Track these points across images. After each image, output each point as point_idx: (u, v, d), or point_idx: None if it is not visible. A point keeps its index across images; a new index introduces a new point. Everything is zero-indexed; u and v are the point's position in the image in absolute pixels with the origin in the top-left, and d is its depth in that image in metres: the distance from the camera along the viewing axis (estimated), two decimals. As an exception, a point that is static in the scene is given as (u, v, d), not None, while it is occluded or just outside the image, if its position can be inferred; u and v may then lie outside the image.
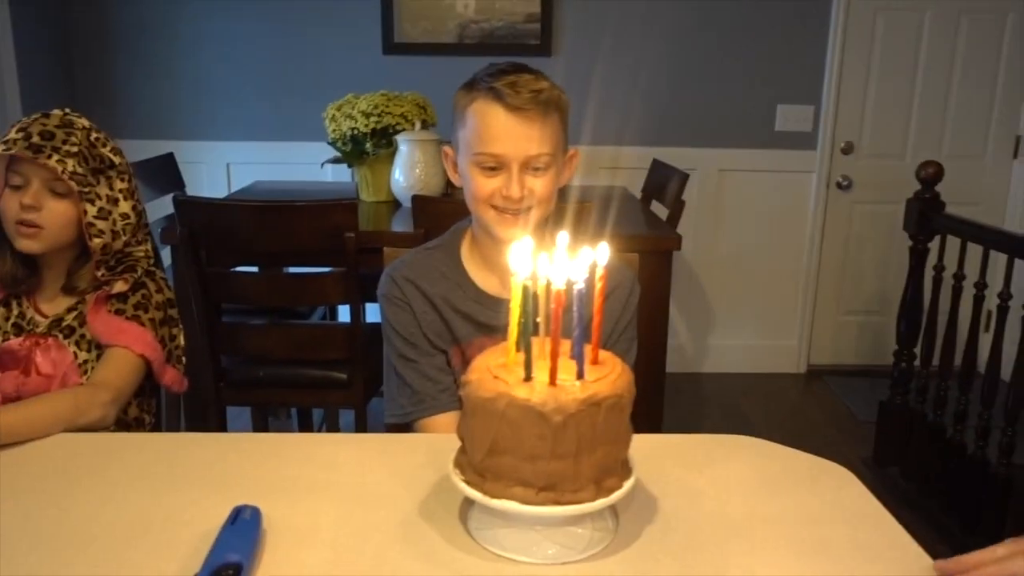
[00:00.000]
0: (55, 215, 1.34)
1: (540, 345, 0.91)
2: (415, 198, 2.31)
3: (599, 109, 3.50)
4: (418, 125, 2.77)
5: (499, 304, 1.36)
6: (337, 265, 2.26)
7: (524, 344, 0.88)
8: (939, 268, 2.76)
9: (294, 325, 2.59)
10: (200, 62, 3.63)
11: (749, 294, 3.91)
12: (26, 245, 1.34)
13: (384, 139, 2.76)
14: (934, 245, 2.81)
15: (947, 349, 2.71)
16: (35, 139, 1.30)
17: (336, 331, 2.42)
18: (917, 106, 3.74)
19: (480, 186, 1.30)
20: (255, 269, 2.78)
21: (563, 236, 0.93)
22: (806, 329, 3.95)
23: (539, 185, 1.30)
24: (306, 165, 3.42)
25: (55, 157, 1.30)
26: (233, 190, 3.59)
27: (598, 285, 0.87)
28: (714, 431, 1.26)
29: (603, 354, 0.92)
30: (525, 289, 0.86)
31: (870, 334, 3.97)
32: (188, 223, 2.20)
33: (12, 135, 1.30)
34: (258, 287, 2.40)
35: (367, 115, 2.72)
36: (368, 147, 2.76)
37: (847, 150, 3.76)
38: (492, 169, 1.29)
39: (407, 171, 2.71)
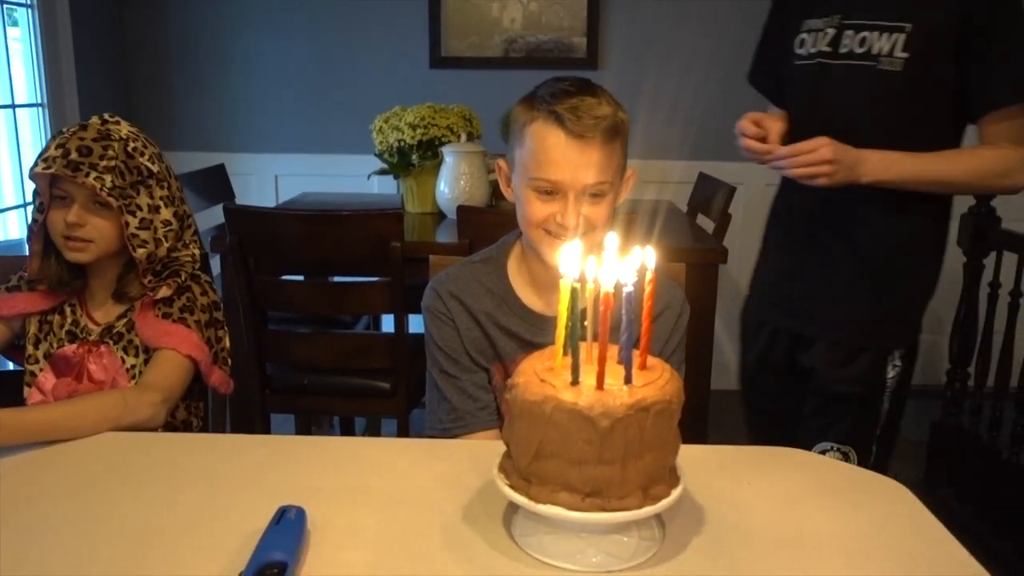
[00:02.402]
0: (99, 229, 1.36)
1: (587, 350, 0.90)
2: (460, 209, 2.31)
3: (646, 123, 3.47)
4: (464, 137, 2.78)
5: (544, 322, 1.34)
6: (382, 275, 2.27)
7: (572, 348, 0.87)
8: (995, 285, 2.68)
9: (339, 334, 2.61)
10: (250, 76, 3.70)
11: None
12: (76, 257, 1.36)
13: (430, 151, 2.78)
14: (989, 261, 2.74)
15: (1003, 369, 2.63)
16: (73, 156, 1.31)
17: (380, 341, 2.43)
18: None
19: (535, 210, 1.26)
20: (301, 278, 2.81)
21: (612, 237, 0.92)
22: (855, 347, 3.86)
23: (595, 213, 1.26)
24: (353, 177, 3.45)
25: (92, 175, 1.31)
26: (281, 201, 3.64)
27: (647, 288, 0.85)
28: (762, 446, 1.23)
29: (651, 360, 0.90)
30: (573, 292, 0.85)
31: (922, 353, 3.85)
32: (237, 231, 2.23)
33: (51, 151, 1.31)
34: (304, 295, 2.43)
35: (413, 127, 2.74)
36: (414, 159, 2.78)
37: (898, 165, 3.68)
38: (548, 194, 1.25)
39: (452, 182, 2.72)
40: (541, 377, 0.87)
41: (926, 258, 1.69)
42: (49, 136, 3.08)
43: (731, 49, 3.60)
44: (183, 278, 1.43)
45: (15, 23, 3.03)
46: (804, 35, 1.61)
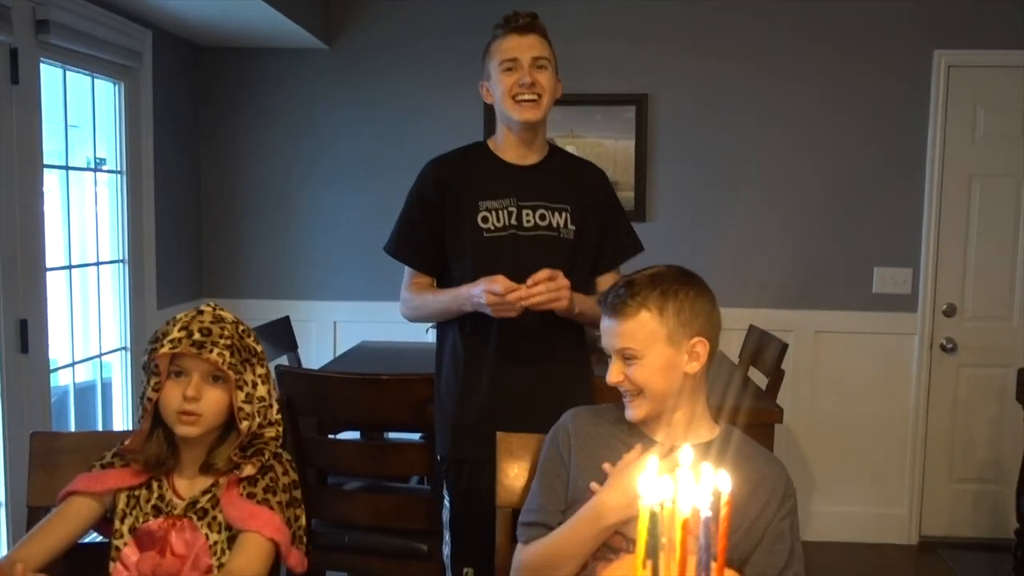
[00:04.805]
0: (212, 403, 1.46)
1: (666, 563, 0.93)
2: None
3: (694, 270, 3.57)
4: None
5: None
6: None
7: (652, 564, 0.90)
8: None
9: (379, 492, 2.59)
10: (314, 228, 3.89)
11: (853, 459, 3.78)
12: (186, 431, 1.45)
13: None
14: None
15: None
16: (196, 336, 1.44)
17: (417, 501, 2.42)
18: (1021, 267, 3.67)
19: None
20: (357, 434, 2.88)
21: (687, 451, 0.97)
22: (916, 497, 3.77)
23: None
24: (411, 325, 3.56)
25: (215, 351, 1.43)
26: (339, 349, 3.76)
27: (723, 511, 0.90)
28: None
29: (728, 574, 0.93)
30: (653, 515, 0.90)
31: (987, 504, 3.76)
32: (287, 391, 2.35)
33: (175, 334, 1.44)
34: (346, 454, 2.46)
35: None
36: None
37: (949, 312, 3.70)
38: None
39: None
40: (621, 594, 0.91)
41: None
42: (129, 291, 3.27)
43: (778, 198, 3.73)
44: (266, 457, 1.50)
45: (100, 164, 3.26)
46: (485, 213, 1.99)
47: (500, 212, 1.98)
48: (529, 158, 2.04)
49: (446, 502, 2.05)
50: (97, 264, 3.19)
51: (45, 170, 2.75)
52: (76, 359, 3.05)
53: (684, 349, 1.46)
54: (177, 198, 3.69)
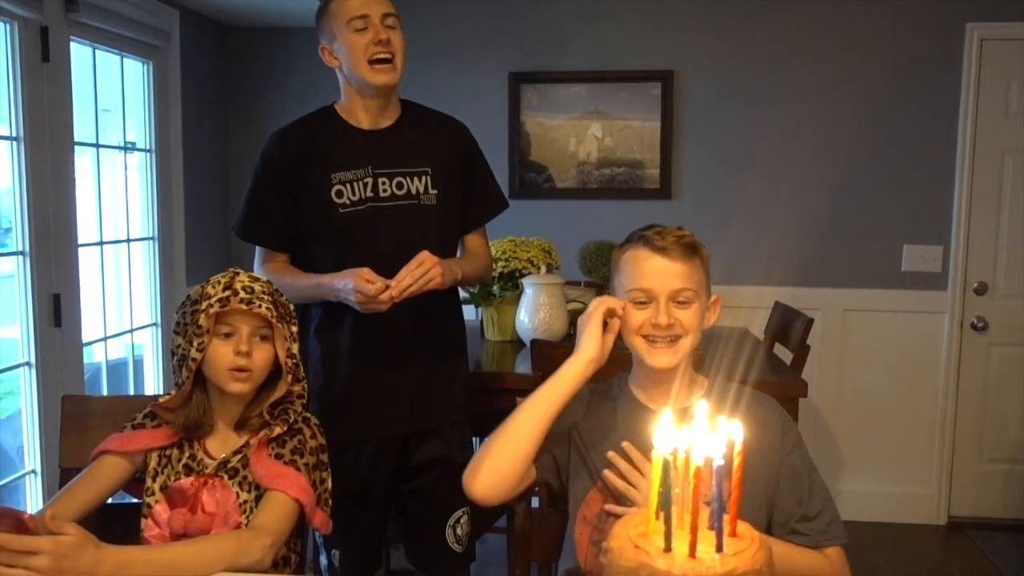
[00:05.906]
0: (262, 358, 1.50)
1: (679, 513, 0.94)
2: (534, 342, 2.40)
3: (719, 249, 3.55)
4: (543, 269, 2.89)
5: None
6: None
7: (664, 513, 0.91)
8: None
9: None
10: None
11: (881, 438, 3.75)
12: (238, 388, 1.49)
13: (510, 282, 2.89)
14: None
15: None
16: (242, 294, 1.47)
17: None
18: (1054, 245, 3.61)
19: (633, 319, 1.46)
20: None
21: (703, 405, 0.97)
22: (945, 477, 3.73)
23: (685, 316, 1.45)
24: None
25: (263, 305, 1.47)
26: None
27: (736, 460, 0.90)
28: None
29: (741, 526, 0.94)
30: (665, 463, 0.90)
31: (1018, 485, 3.71)
32: None
33: (220, 293, 1.47)
34: None
35: (496, 260, 2.86)
36: (495, 289, 2.90)
37: (980, 291, 3.64)
38: (643, 303, 1.45)
39: (532, 313, 2.82)
40: (635, 543, 0.92)
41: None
42: (159, 268, 3.32)
43: (805, 176, 3.68)
44: (292, 418, 1.53)
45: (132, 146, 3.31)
46: (339, 186, 1.87)
47: (355, 184, 1.88)
48: (383, 121, 1.94)
49: None
50: (128, 241, 3.24)
51: (76, 149, 2.80)
52: (108, 334, 3.11)
53: (708, 303, 1.50)
54: (205, 176, 3.73)
